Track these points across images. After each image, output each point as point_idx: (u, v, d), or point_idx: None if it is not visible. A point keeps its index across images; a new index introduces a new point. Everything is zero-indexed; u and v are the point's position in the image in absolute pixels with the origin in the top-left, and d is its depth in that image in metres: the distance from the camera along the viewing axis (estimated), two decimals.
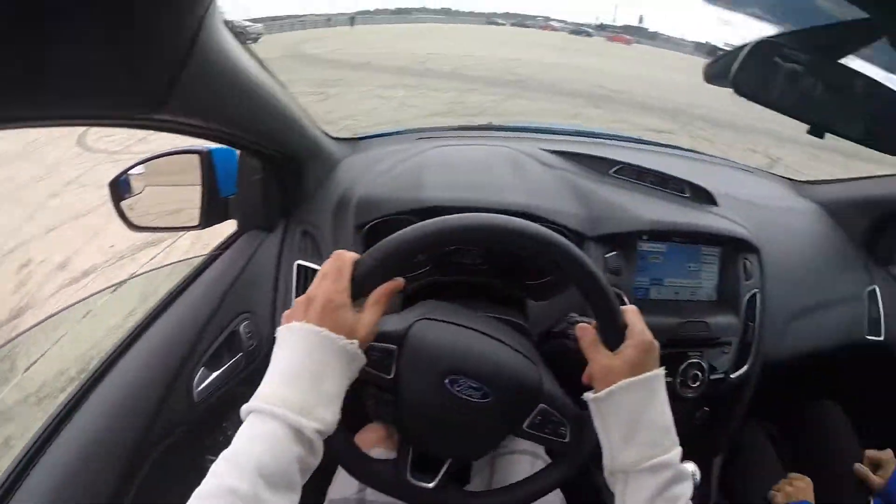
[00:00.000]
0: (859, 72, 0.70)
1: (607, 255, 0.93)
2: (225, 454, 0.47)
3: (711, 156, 1.44)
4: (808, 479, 1.04)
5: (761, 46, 0.68)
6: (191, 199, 0.93)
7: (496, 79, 12.42)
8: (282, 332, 0.54)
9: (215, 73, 0.57)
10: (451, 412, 0.61)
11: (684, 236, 0.99)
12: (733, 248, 1.02)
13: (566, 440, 0.63)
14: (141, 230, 0.93)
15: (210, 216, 0.94)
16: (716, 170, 1.34)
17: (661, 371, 0.58)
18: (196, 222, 0.94)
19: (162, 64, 0.48)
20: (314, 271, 0.90)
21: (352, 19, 33.63)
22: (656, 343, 0.58)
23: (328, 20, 31.15)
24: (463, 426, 0.62)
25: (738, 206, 1.10)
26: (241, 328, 0.87)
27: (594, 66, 18.28)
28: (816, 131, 0.76)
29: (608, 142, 1.35)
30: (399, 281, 0.59)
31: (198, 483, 0.45)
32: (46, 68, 0.37)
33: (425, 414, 0.62)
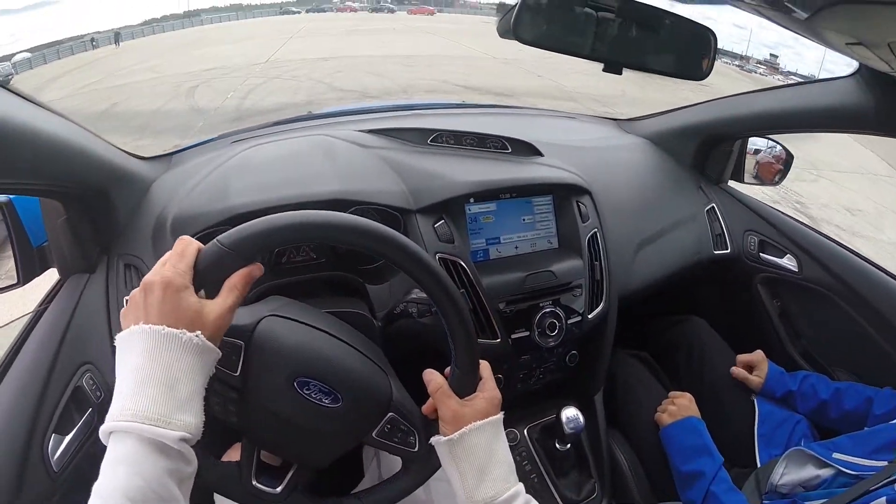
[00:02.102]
0: (654, 6, 0.74)
1: (436, 225, 0.93)
2: (95, 487, 0.44)
3: (533, 108, 1.50)
4: (689, 395, 1.09)
5: None
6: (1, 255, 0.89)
7: (301, 104, 10.15)
8: (120, 339, 0.50)
9: None
10: (298, 416, 0.58)
11: (512, 191, 1.01)
12: (565, 194, 1.05)
13: (415, 449, 0.63)
14: None
15: (27, 270, 0.86)
16: (539, 122, 1.39)
17: (501, 415, 0.64)
18: (14, 280, 0.87)
19: None
20: None
21: (116, 36, 27.43)
22: (499, 395, 0.65)
23: (92, 41, 25.73)
24: (310, 431, 0.60)
25: (563, 152, 1.14)
26: (84, 381, 0.80)
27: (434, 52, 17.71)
28: (613, 68, 0.81)
29: (427, 111, 1.35)
30: (258, 266, 0.55)
31: None
32: None
33: (271, 416, 0.58)
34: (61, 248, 0.89)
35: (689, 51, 0.82)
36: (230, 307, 0.52)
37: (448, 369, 0.66)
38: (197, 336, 0.49)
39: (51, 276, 0.94)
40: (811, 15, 0.53)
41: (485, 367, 0.66)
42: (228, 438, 0.64)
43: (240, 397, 0.58)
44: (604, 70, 0.80)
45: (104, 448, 0.81)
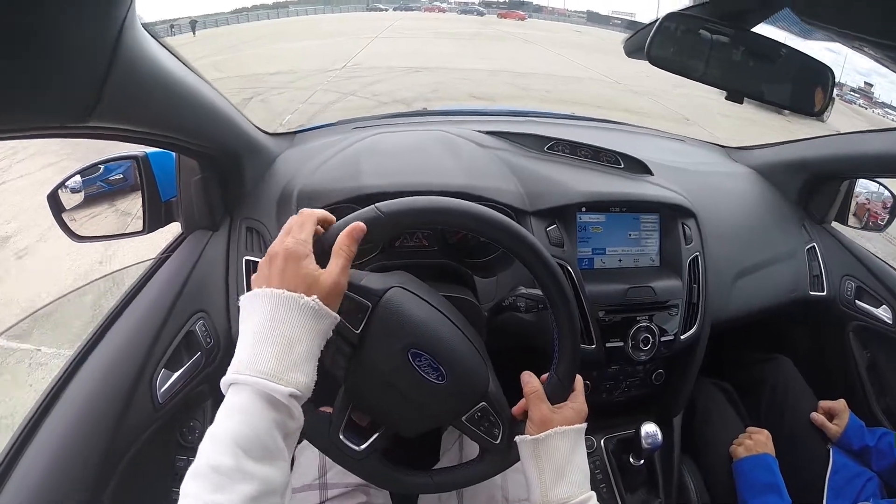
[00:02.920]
0: (772, 38, 0.75)
1: (548, 229, 0.96)
2: (209, 430, 0.47)
3: (643, 127, 1.49)
4: (767, 432, 1.08)
5: (671, 19, 0.73)
6: (133, 204, 0.94)
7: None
8: (244, 300, 0.54)
9: (140, 78, 0.58)
10: (403, 383, 0.62)
11: (622, 206, 1.03)
12: (671, 215, 1.06)
13: (497, 442, 0.66)
14: (85, 240, 0.92)
15: (153, 220, 0.94)
16: (648, 140, 1.39)
17: (585, 425, 0.67)
18: (140, 228, 0.94)
19: (85, 73, 0.48)
20: None
21: (192, 24, 24.93)
22: (587, 410, 0.69)
23: (171, 27, 23.95)
24: (409, 400, 0.63)
25: (672, 173, 1.15)
26: (197, 327, 0.87)
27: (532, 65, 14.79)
28: (735, 97, 0.81)
29: (541, 119, 1.38)
30: (360, 225, 0.58)
31: (171, 483, 0.45)
32: None
33: (378, 377, 0.62)
34: (191, 205, 0.96)
35: (804, 84, 0.80)
36: (342, 269, 0.55)
37: (545, 376, 0.69)
38: (314, 300, 0.52)
39: (170, 230, 1.00)
40: None
41: (578, 380, 0.70)
42: (329, 391, 0.66)
43: (353, 353, 0.62)
44: (726, 98, 0.80)
45: (204, 391, 0.88)
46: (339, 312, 0.57)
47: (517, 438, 0.65)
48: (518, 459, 0.66)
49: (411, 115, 1.33)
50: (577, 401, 0.68)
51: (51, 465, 0.65)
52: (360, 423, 0.67)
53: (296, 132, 1.19)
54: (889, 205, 1.32)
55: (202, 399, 0.90)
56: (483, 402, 0.65)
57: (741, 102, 0.82)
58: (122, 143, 0.72)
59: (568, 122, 1.41)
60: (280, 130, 1.18)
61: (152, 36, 0.60)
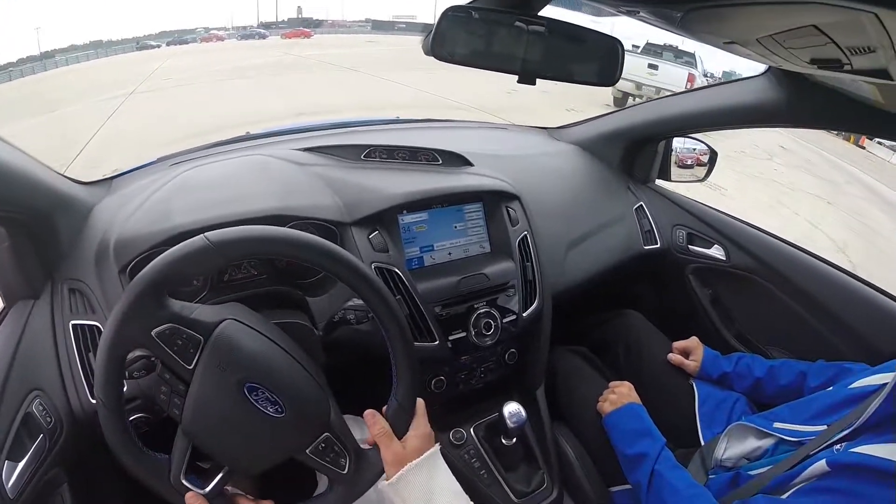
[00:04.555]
0: (554, 18, 0.78)
1: (370, 236, 0.97)
2: None
3: (466, 121, 1.55)
4: (628, 383, 1.13)
5: (452, 13, 0.75)
6: None
7: None
8: None
9: None
10: (241, 418, 0.61)
11: (442, 200, 1.06)
12: (494, 200, 1.11)
13: (345, 471, 0.67)
14: None
15: None
16: (470, 133, 1.45)
17: (437, 447, 0.70)
18: None
19: None
20: (91, 328, 0.88)
21: None
22: (432, 431, 0.72)
23: None
24: (249, 436, 0.62)
25: (494, 161, 1.20)
26: (34, 407, 0.80)
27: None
28: (527, 79, 0.86)
29: (361, 128, 1.40)
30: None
31: None
32: None
33: (215, 414, 0.61)
34: (5, 275, 0.90)
35: (605, 60, 0.86)
36: None
37: (385, 408, 0.71)
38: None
39: None
40: (682, 20, 0.59)
41: (419, 404, 0.72)
42: (169, 435, 0.65)
43: (187, 390, 0.61)
44: (518, 81, 0.83)
45: (59, 473, 0.82)
46: (171, 350, 0.58)
47: (380, 485, 0.68)
48: (368, 486, 0.68)
49: (232, 142, 1.30)
50: (419, 427, 0.70)
51: None
52: (203, 464, 0.65)
53: (113, 178, 1.14)
54: (706, 156, 1.47)
55: (57, 484, 0.83)
56: (326, 433, 0.66)
57: (534, 84, 0.84)
58: None
59: (390, 126, 1.44)
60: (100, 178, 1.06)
61: None
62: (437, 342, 0.98)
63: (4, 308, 0.92)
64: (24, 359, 0.84)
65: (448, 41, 0.77)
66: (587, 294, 1.24)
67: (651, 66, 9.43)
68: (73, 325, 0.88)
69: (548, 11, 0.80)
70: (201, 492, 0.63)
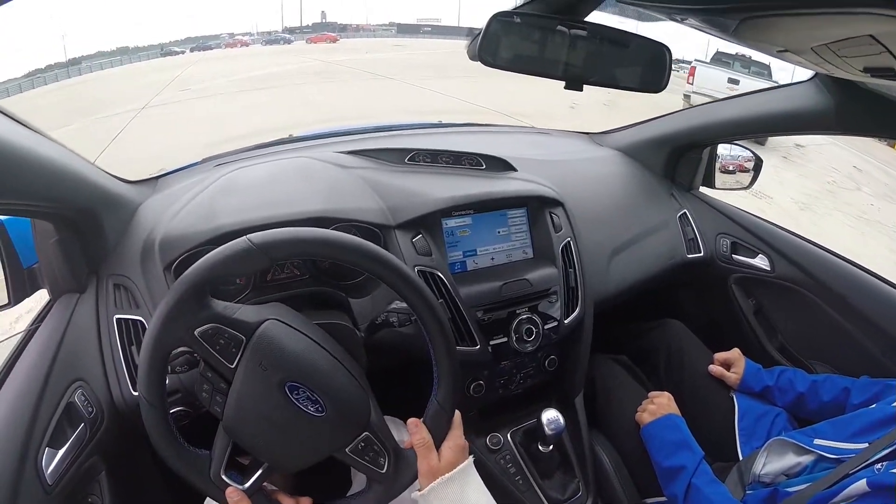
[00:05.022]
0: (603, 24, 0.77)
1: (414, 240, 0.98)
2: None
3: (507, 126, 1.55)
4: (667, 394, 1.12)
5: (500, 18, 0.75)
6: None
7: None
8: None
9: None
10: (282, 417, 0.62)
11: (486, 205, 1.06)
12: (538, 206, 1.10)
13: (384, 470, 0.67)
14: None
15: (18, 291, 0.90)
16: (513, 138, 1.45)
17: (470, 459, 0.71)
18: (5, 301, 0.91)
19: None
20: (135, 322, 0.90)
21: None
22: (466, 443, 0.72)
23: None
24: (289, 434, 0.63)
25: (537, 166, 1.19)
26: (77, 398, 0.83)
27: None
28: (574, 85, 0.85)
29: (405, 132, 1.40)
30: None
31: None
32: None
33: (256, 412, 0.62)
34: (52, 269, 0.92)
35: (652, 66, 0.85)
36: None
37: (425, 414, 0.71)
38: None
39: (40, 297, 0.96)
40: (736, 28, 0.57)
41: (455, 416, 0.72)
42: (210, 431, 0.66)
43: (229, 389, 0.62)
44: (566, 87, 0.82)
45: (97, 462, 0.84)
46: (213, 349, 0.60)
47: (413, 495, 0.68)
48: (406, 486, 0.68)
49: (275, 144, 1.32)
50: (454, 438, 0.70)
51: None
52: (243, 460, 0.67)
53: (158, 177, 1.17)
54: (752, 163, 1.43)
55: (95, 472, 0.86)
56: (366, 432, 0.66)
57: (581, 90, 0.84)
58: None
59: (433, 130, 1.44)
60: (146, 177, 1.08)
61: None
62: (478, 346, 0.98)
63: (50, 301, 0.95)
64: (68, 350, 0.87)
65: (495, 46, 0.77)
66: (628, 302, 1.23)
67: (732, 80, 8.37)
68: (118, 320, 0.91)
69: (594, 17, 0.80)
70: (241, 487, 0.64)
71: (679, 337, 1.29)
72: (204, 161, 1.25)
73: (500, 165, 1.15)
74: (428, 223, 1.01)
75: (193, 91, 13.25)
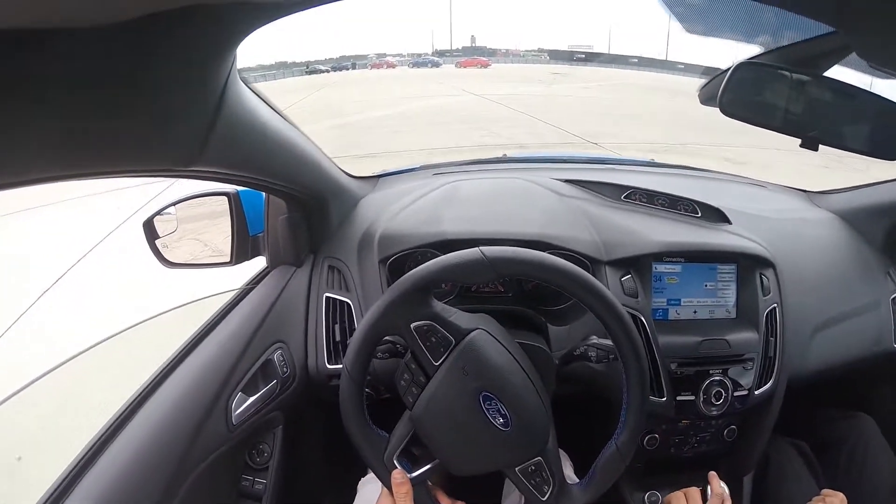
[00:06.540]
0: (846, 83, 0.71)
1: (623, 279, 0.95)
2: None
3: (722, 173, 1.45)
4: (843, 496, 1.00)
5: (743, 67, 0.71)
6: (221, 237, 0.98)
7: None
8: None
9: (239, 128, 0.63)
10: (468, 422, 0.64)
11: (698, 256, 1.00)
12: (749, 265, 1.03)
13: (544, 498, 0.67)
14: (174, 267, 0.98)
15: (240, 253, 1.00)
16: (727, 187, 1.35)
17: None
18: (227, 259, 1.00)
19: (195, 127, 0.53)
20: (342, 303, 0.97)
21: None
22: None
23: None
24: (471, 439, 0.66)
25: (751, 221, 1.11)
26: (275, 357, 0.92)
27: None
28: (810, 144, 0.78)
29: (619, 167, 1.38)
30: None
31: (235, 501, 0.47)
32: (90, 134, 0.42)
33: (445, 411, 0.65)
34: (277, 241, 1.01)
35: (884, 128, 0.74)
36: None
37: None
38: None
39: (254, 264, 1.05)
40: None
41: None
42: (394, 417, 0.70)
43: (427, 383, 0.65)
44: (801, 146, 0.74)
45: (278, 416, 0.94)
46: (424, 344, 0.64)
47: None
48: None
49: (491, 162, 1.35)
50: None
51: (125, 469, 0.69)
52: (416, 451, 0.70)
53: (379, 176, 1.25)
54: None
55: (274, 424, 0.95)
56: (539, 457, 0.67)
57: (816, 150, 0.78)
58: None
59: (646, 169, 1.40)
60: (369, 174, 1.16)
61: (248, 87, 0.64)
62: (664, 398, 0.94)
63: (267, 268, 1.05)
64: (277, 314, 0.95)
65: (738, 95, 0.72)
66: (822, 385, 1.11)
67: None
68: (327, 298, 0.98)
69: (836, 73, 0.73)
70: (409, 475, 0.67)
71: (868, 435, 1.15)
72: (421, 168, 1.31)
73: (715, 216, 1.09)
74: (639, 265, 0.98)
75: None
